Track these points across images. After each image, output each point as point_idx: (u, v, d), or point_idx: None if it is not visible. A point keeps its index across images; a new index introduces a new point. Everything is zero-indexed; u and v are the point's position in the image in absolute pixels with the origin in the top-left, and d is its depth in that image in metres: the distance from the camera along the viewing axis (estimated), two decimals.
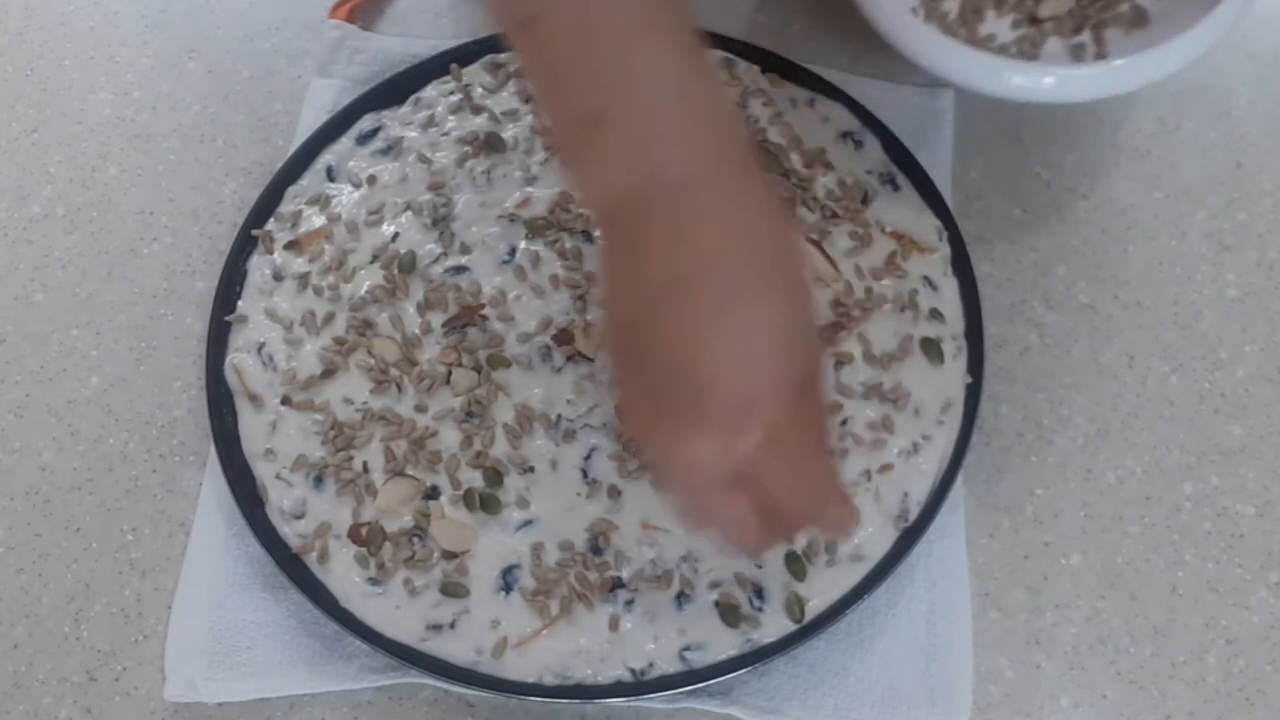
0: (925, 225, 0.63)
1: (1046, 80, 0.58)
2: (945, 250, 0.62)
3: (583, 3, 0.43)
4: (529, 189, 0.63)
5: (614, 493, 0.56)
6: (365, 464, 0.58)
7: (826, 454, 0.48)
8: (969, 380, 0.59)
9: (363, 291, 0.61)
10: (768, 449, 0.43)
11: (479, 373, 0.59)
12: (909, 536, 0.56)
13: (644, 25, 0.43)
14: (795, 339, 0.44)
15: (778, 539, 0.52)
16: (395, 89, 0.67)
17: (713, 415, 0.42)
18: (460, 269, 0.61)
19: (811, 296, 0.47)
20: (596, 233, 0.62)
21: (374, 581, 0.55)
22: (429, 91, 0.67)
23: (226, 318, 0.61)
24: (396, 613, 0.55)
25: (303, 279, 0.62)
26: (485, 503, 0.57)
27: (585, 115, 0.43)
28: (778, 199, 0.47)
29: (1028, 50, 0.63)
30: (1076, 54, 0.63)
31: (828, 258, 0.61)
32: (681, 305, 0.43)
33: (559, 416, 0.58)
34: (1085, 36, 0.63)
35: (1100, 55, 0.63)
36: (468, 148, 0.64)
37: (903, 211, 0.63)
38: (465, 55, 0.67)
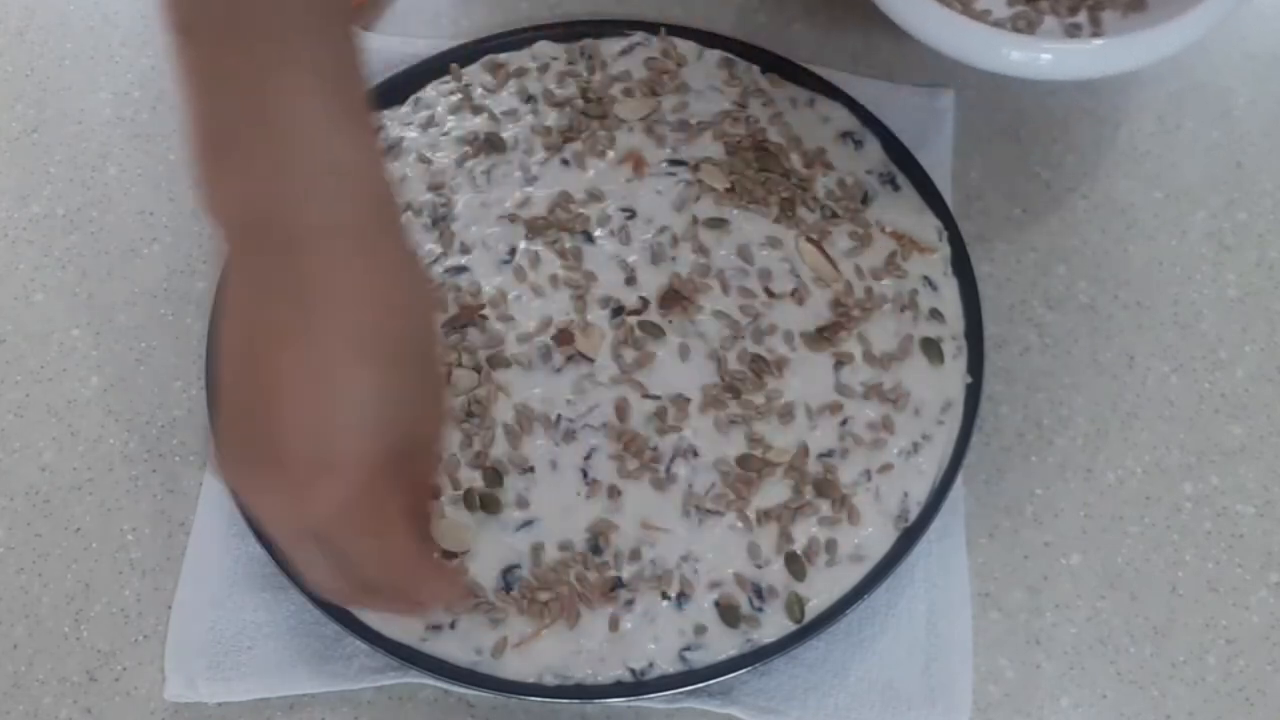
0: (925, 225, 0.63)
1: (1044, 56, 0.57)
2: (945, 250, 0.62)
3: (235, 18, 0.41)
4: (529, 189, 0.63)
5: (614, 493, 0.56)
6: None
7: (409, 534, 0.45)
8: (969, 380, 0.59)
9: None
10: (342, 518, 0.42)
11: (479, 373, 0.59)
12: (909, 536, 0.56)
13: (294, 54, 0.41)
14: (392, 412, 0.42)
15: (375, 603, 0.51)
16: (395, 89, 0.67)
17: (285, 475, 0.42)
18: (460, 269, 0.61)
19: (435, 370, 0.46)
20: (597, 233, 0.62)
21: None
22: (429, 91, 0.67)
23: None
24: None
25: None
26: (485, 503, 0.57)
27: (220, 131, 0.42)
28: (416, 259, 0.45)
29: (1023, 28, 0.62)
30: (1072, 33, 0.62)
31: (828, 258, 0.61)
32: (278, 355, 0.41)
33: (559, 416, 0.58)
34: (1082, 17, 0.62)
35: (1097, 36, 0.62)
36: (467, 148, 0.64)
37: (903, 211, 0.63)
38: (465, 55, 0.67)
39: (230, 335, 0.44)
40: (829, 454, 0.57)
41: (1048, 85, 0.68)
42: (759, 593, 0.55)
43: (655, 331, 0.59)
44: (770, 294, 0.60)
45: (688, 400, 0.58)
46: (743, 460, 0.57)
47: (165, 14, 0.43)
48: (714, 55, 0.67)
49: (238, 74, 0.41)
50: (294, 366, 0.41)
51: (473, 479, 0.57)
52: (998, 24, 0.62)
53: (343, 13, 0.44)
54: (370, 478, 0.42)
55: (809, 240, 0.61)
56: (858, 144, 0.65)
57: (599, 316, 0.60)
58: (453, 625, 0.54)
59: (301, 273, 0.41)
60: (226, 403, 0.44)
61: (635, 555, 0.55)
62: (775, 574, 0.55)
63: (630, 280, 0.61)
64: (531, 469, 0.57)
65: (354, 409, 0.42)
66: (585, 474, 0.57)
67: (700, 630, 0.54)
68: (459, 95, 0.66)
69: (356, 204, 0.42)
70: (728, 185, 0.63)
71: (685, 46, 0.67)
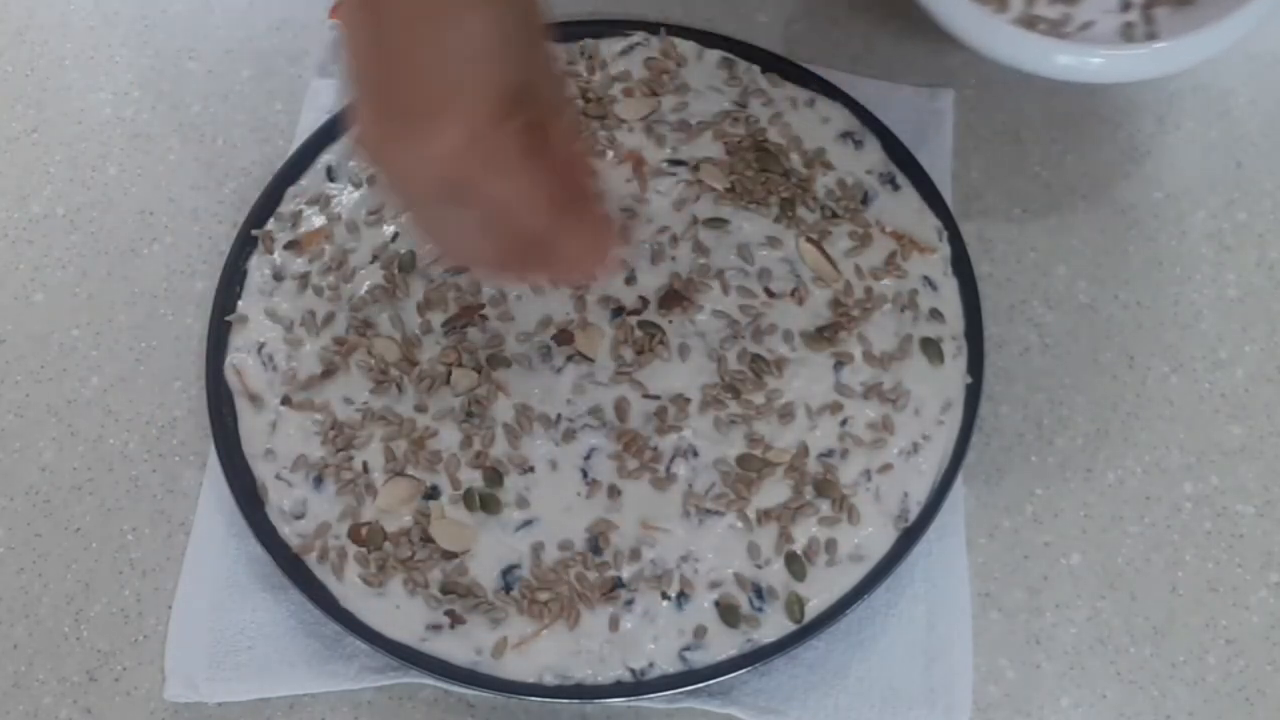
0: (925, 225, 0.63)
1: (1094, 61, 0.57)
2: (945, 250, 0.62)
3: None
4: None
5: (614, 493, 0.57)
6: (365, 464, 0.58)
7: (547, 176, 0.44)
8: (969, 380, 0.59)
9: (363, 291, 0.61)
10: (471, 155, 0.41)
11: (479, 372, 0.59)
12: (909, 536, 0.56)
13: None
14: (506, 45, 0.41)
15: (529, 265, 0.48)
16: None
17: (408, 120, 0.41)
18: (460, 268, 0.61)
19: (537, 14, 0.44)
20: None
21: (374, 581, 0.55)
22: None
23: (226, 318, 0.61)
24: (396, 613, 0.55)
25: (303, 279, 0.62)
26: (485, 503, 0.57)
27: None
28: None
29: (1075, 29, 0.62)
30: (1127, 33, 0.62)
31: (828, 258, 0.61)
32: (376, 11, 0.41)
33: (559, 416, 0.58)
34: (1134, 15, 0.62)
35: (1151, 34, 0.62)
36: None
37: (903, 211, 0.63)
38: None
39: (347, 12, 0.43)
40: (829, 454, 0.57)
41: (1048, 85, 0.68)
42: (759, 593, 0.55)
43: (655, 331, 0.59)
44: (770, 294, 0.60)
45: (687, 400, 0.58)
46: (743, 460, 0.57)
47: None
48: (714, 55, 0.67)
49: None
50: (394, 17, 0.41)
51: (473, 479, 0.57)
52: (1051, 26, 0.62)
53: None
54: (494, 112, 0.41)
55: (809, 240, 0.61)
56: (858, 144, 0.65)
57: (599, 316, 0.60)
58: (453, 625, 0.54)
59: None
60: (351, 67, 0.43)
61: (635, 555, 0.56)
62: (775, 574, 0.55)
63: (630, 280, 0.61)
64: (531, 469, 0.57)
65: (468, 42, 0.41)
66: (585, 474, 0.57)
67: (700, 630, 0.54)
68: None
69: None
70: (728, 185, 0.63)
71: (685, 46, 0.67)
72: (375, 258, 0.62)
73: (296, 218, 0.63)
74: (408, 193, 0.44)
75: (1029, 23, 0.62)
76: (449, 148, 0.41)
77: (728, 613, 0.55)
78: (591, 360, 0.59)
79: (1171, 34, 0.59)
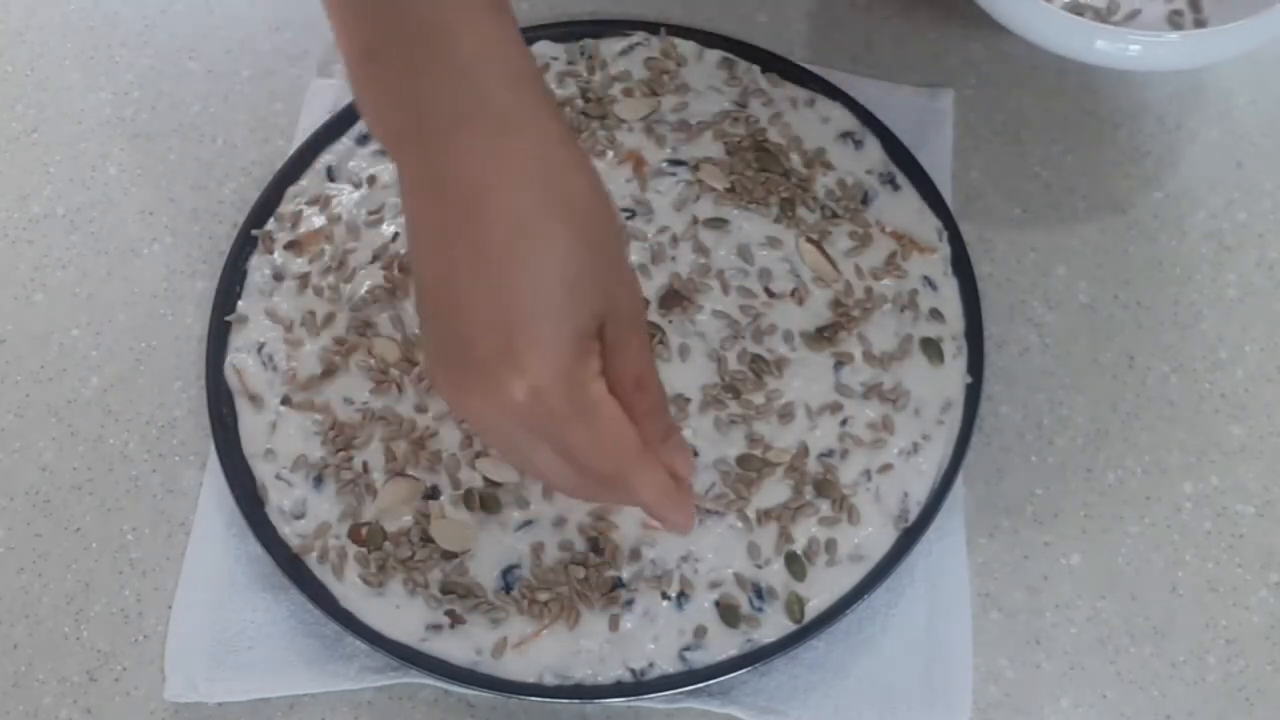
0: (925, 225, 0.63)
1: (1132, 48, 0.57)
2: (945, 250, 0.62)
3: None
4: None
5: None
6: (365, 464, 0.58)
7: (619, 418, 0.44)
8: (969, 380, 0.59)
9: (363, 291, 0.61)
10: (540, 406, 0.41)
11: None
12: (909, 536, 0.56)
13: None
14: (573, 287, 0.41)
15: (607, 496, 0.48)
16: None
17: (477, 374, 0.41)
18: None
19: (613, 228, 0.43)
20: None
21: (374, 581, 0.55)
22: None
23: (226, 318, 0.61)
24: (396, 613, 0.55)
25: (303, 279, 0.62)
26: (485, 502, 0.57)
27: (362, 50, 0.42)
28: (569, 133, 0.43)
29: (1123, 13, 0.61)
30: (1174, 21, 0.62)
31: (828, 258, 0.61)
32: (449, 253, 0.41)
33: None
34: (1182, 3, 0.62)
35: (1199, 21, 0.61)
36: None
37: (903, 211, 0.63)
38: None
39: (412, 247, 0.43)
40: (829, 454, 0.57)
41: (1048, 85, 0.69)
42: (759, 593, 0.55)
43: (655, 331, 0.59)
44: (770, 294, 0.60)
45: (688, 400, 0.58)
46: (743, 460, 0.57)
47: None
48: (714, 55, 0.67)
49: None
50: (464, 261, 0.41)
51: (473, 479, 0.57)
52: (1098, 12, 0.61)
53: None
54: (564, 364, 0.41)
55: (809, 240, 0.61)
56: (858, 144, 0.65)
57: None
58: (453, 625, 0.54)
59: (451, 164, 0.41)
60: (424, 319, 0.44)
61: (635, 555, 0.55)
62: (775, 574, 0.55)
63: None
64: None
65: (529, 293, 0.40)
66: None
67: (700, 630, 0.54)
68: None
69: (498, 86, 0.42)
70: (728, 185, 0.63)
71: (685, 46, 0.67)
72: (375, 258, 0.62)
73: (296, 218, 0.63)
74: (487, 433, 0.44)
75: (1076, 10, 0.62)
76: (526, 394, 0.41)
77: (728, 613, 0.55)
78: None
79: (1219, 23, 0.58)
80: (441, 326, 0.43)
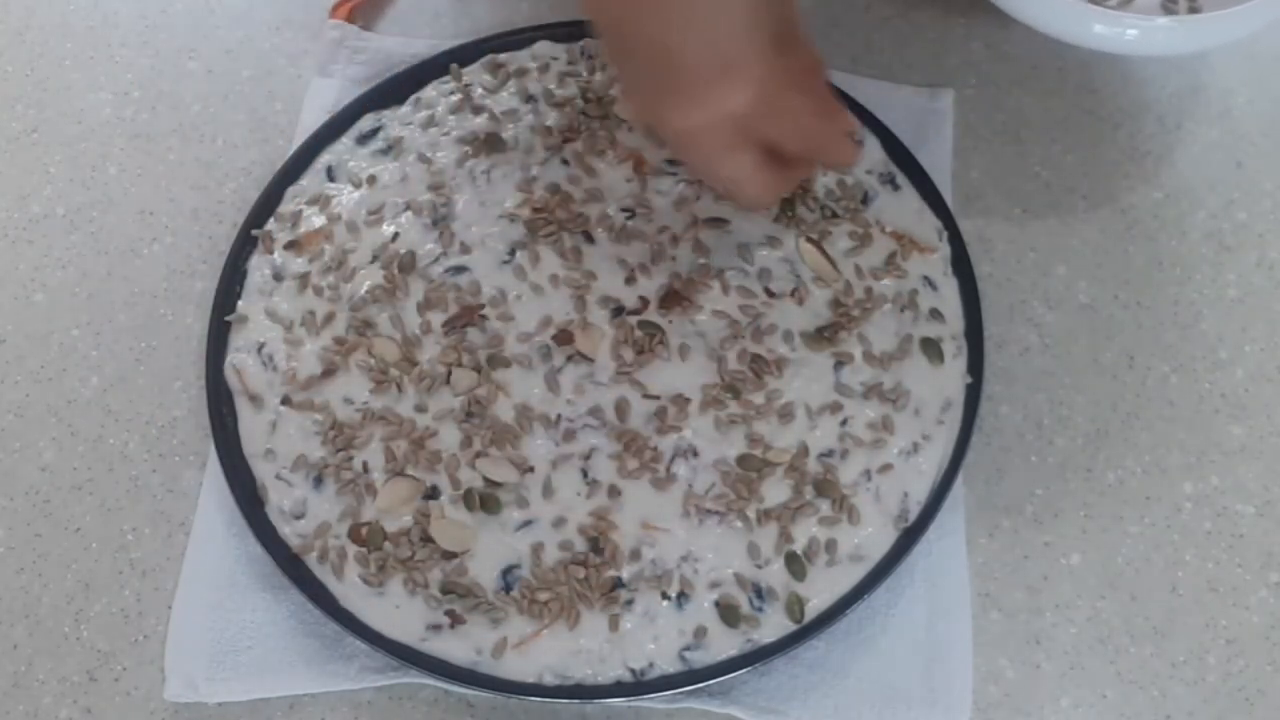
0: (925, 225, 0.63)
1: (1130, 32, 0.57)
2: (945, 250, 0.62)
3: None
4: (529, 189, 0.63)
5: (614, 493, 0.56)
6: (365, 464, 0.58)
7: (822, 92, 0.52)
8: (969, 380, 0.59)
9: (363, 291, 0.61)
10: (763, 101, 0.48)
11: (479, 373, 0.59)
12: (909, 536, 0.56)
13: None
14: (762, 10, 0.48)
15: (790, 183, 0.57)
16: (395, 89, 0.67)
17: (686, 91, 0.48)
18: (460, 269, 0.61)
19: None
20: (597, 232, 0.62)
21: (374, 581, 0.55)
22: (429, 91, 0.67)
23: (226, 318, 0.61)
24: (396, 613, 0.55)
25: (303, 279, 0.62)
26: (485, 503, 0.57)
27: None
28: None
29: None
30: (1168, 7, 0.62)
31: (828, 258, 0.61)
32: None
33: (559, 416, 0.58)
34: None
35: (1193, 8, 0.61)
36: (468, 148, 0.64)
37: (903, 211, 0.63)
38: (465, 55, 0.67)
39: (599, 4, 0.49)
40: (829, 454, 0.57)
41: (1048, 85, 0.69)
42: (759, 593, 0.55)
43: (655, 331, 0.59)
44: (770, 294, 0.60)
45: (688, 400, 0.58)
46: (743, 460, 0.57)
47: None
48: None
49: None
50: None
51: (473, 479, 0.57)
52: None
53: None
54: (770, 66, 0.48)
55: (809, 240, 0.61)
56: (858, 144, 0.65)
57: (599, 316, 0.60)
58: (453, 625, 0.54)
59: None
60: (619, 58, 0.50)
61: (635, 555, 0.55)
62: (775, 574, 0.55)
63: (630, 280, 0.61)
64: (531, 469, 0.57)
65: (723, 16, 0.47)
66: (585, 474, 0.57)
67: (700, 630, 0.54)
68: (459, 95, 0.66)
69: None
70: None
71: None
72: (375, 258, 0.62)
73: (296, 218, 0.63)
74: (693, 148, 0.50)
75: None
76: (740, 106, 0.48)
77: (728, 613, 0.55)
78: (591, 360, 0.59)
79: (1214, 7, 0.58)
80: (648, 58, 0.48)
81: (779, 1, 0.50)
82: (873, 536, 0.56)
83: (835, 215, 0.63)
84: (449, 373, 0.59)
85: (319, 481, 0.57)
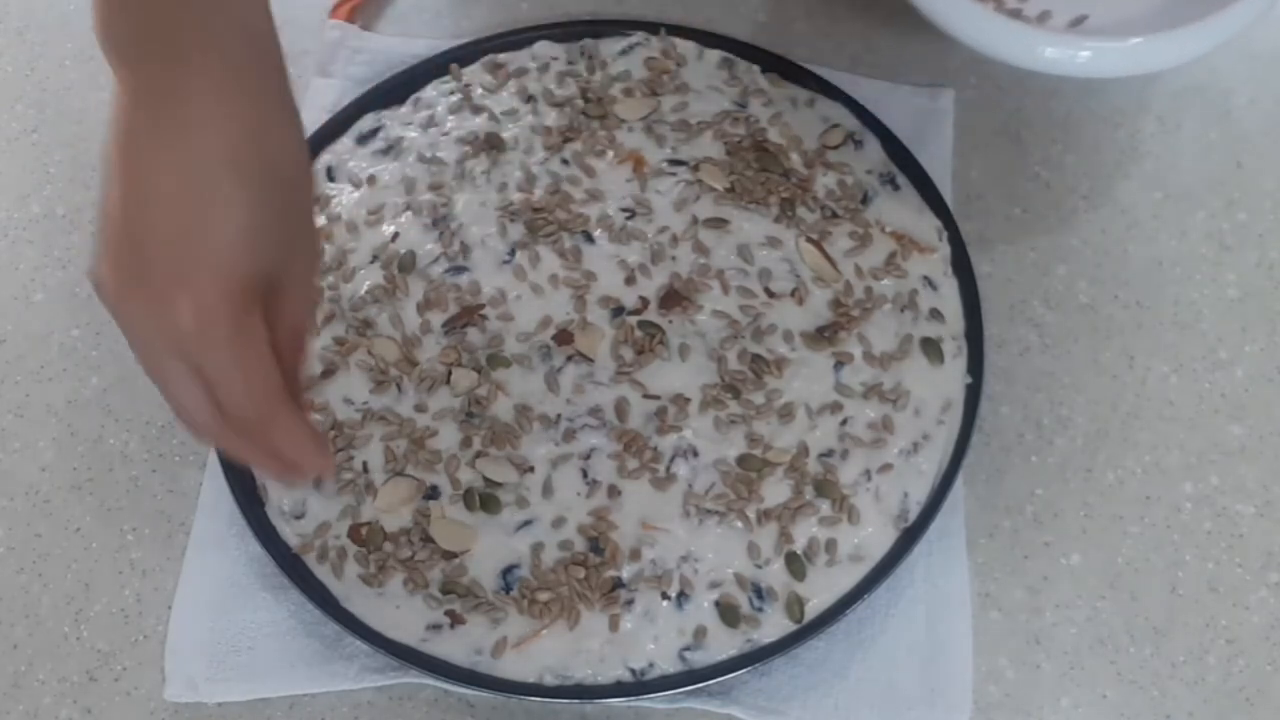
0: (925, 225, 0.63)
1: (1081, 54, 0.57)
2: (945, 250, 0.62)
3: None
4: (529, 189, 0.63)
5: (614, 493, 0.56)
6: (365, 464, 0.58)
7: (273, 370, 0.45)
8: (969, 380, 0.59)
9: (362, 291, 0.61)
10: (202, 333, 0.43)
11: (479, 372, 0.59)
12: (909, 536, 0.56)
13: None
14: (261, 235, 0.43)
15: (241, 447, 0.47)
16: (395, 89, 0.67)
17: (150, 284, 0.43)
18: (460, 269, 0.61)
19: (307, 189, 0.47)
20: (597, 232, 0.62)
21: (374, 581, 0.55)
22: (429, 91, 0.67)
23: None
24: (396, 613, 0.55)
25: None
26: (485, 503, 0.57)
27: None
28: (294, 112, 0.46)
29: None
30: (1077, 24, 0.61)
31: (828, 258, 0.61)
32: (155, 158, 0.43)
33: (559, 416, 0.58)
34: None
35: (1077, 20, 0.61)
36: (468, 148, 0.64)
37: (903, 211, 0.63)
38: (465, 55, 0.67)
39: (113, 148, 0.44)
40: (829, 454, 0.57)
41: (1048, 85, 0.69)
42: (759, 593, 0.55)
43: (655, 331, 0.59)
44: (770, 294, 0.60)
45: (688, 400, 0.58)
46: (743, 460, 0.57)
47: None
48: (714, 55, 0.67)
49: None
50: (168, 172, 0.43)
51: (473, 479, 0.57)
52: (1043, 16, 0.61)
53: None
54: (233, 296, 0.42)
55: (809, 240, 0.61)
56: (858, 144, 0.65)
57: (599, 316, 0.60)
58: (453, 625, 0.54)
59: (185, 86, 0.43)
60: (103, 210, 0.44)
61: (635, 555, 0.55)
62: (775, 574, 0.55)
63: (630, 280, 0.61)
64: (531, 469, 0.57)
65: (222, 223, 0.42)
66: (585, 474, 0.57)
67: (700, 630, 0.54)
68: (459, 95, 0.66)
69: (244, 43, 0.45)
70: (728, 185, 0.63)
71: (685, 46, 0.67)
72: (375, 258, 0.62)
73: None
74: (141, 345, 0.45)
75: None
76: (181, 322, 0.42)
77: (728, 613, 0.55)
78: (591, 360, 0.59)
79: (1103, 18, 0.57)
80: (123, 234, 0.44)
81: (287, 247, 0.45)
82: (873, 536, 0.56)
83: (835, 215, 0.63)
84: (449, 373, 0.59)
85: (319, 481, 0.57)
